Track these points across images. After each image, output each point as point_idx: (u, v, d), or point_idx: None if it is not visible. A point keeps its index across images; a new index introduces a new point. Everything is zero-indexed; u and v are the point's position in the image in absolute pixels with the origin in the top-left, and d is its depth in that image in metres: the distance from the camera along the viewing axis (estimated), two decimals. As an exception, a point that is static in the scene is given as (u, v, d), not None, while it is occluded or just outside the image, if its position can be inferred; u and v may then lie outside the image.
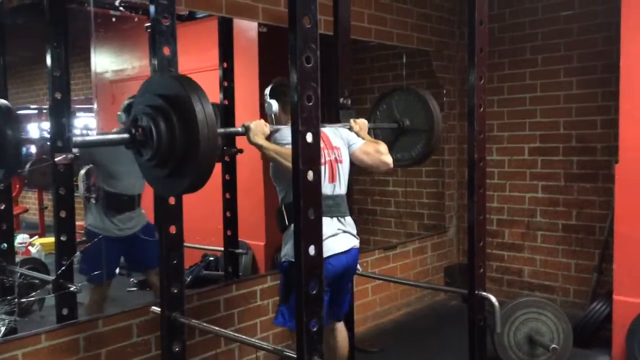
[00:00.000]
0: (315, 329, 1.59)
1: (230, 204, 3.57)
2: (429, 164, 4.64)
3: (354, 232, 2.70)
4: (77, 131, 3.78)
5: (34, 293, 3.13)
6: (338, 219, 2.61)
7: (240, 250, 3.73)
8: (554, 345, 3.27)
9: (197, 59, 4.10)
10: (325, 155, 2.59)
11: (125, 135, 1.75)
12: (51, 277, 2.91)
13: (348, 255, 2.62)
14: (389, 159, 2.74)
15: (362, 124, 2.85)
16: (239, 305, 3.36)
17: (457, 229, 5.14)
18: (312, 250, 1.58)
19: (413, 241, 4.78)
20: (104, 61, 4.14)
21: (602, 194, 4.30)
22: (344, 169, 2.68)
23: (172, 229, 2.14)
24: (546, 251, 4.65)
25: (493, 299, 2.46)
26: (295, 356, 1.62)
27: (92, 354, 2.70)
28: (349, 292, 2.86)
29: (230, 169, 3.56)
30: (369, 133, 2.93)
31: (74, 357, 2.63)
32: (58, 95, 2.73)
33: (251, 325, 3.44)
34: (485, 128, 2.51)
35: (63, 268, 2.75)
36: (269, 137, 2.44)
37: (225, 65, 3.53)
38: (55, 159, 2.71)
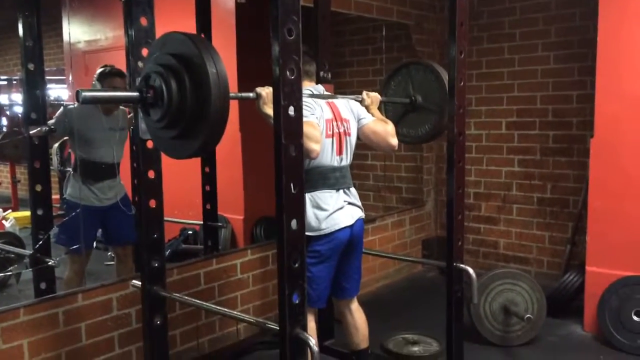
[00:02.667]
0: (297, 302, 1.61)
1: (209, 178, 3.54)
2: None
3: (359, 202, 2.71)
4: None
5: (10, 267, 3.09)
6: (344, 191, 2.62)
7: (219, 224, 3.72)
8: (528, 315, 3.35)
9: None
10: (334, 127, 2.59)
11: (135, 94, 1.70)
12: (28, 252, 2.88)
13: (354, 227, 2.63)
14: (395, 142, 2.73)
15: (374, 97, 2.79)
16: (219, 279, 3.37)
17: (435, 202, 5.20)
18: (294, 224, 1.59)
19: (391, 214, 4.82)
20: (77, 31, 4.04)
21: (577, 168, 4.38)
22: (351, 142, 2.68)
23: (152, 203, 2.11)
24: (521, 224, 4.74)
25: (470, 270, 2.52)
26: (278, 328, 1.64)
27: (71, 328, 2.69)
28: (360, 268, 2.81)
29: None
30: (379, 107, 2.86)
31: (53, 331, 2.61)
32: (31, 66, 2.67)
33: (232, 298, 3.46)
34: (465, 102, 2.53)
35: (41, 242, 2.72)
36: None
37: (202, 36, 3.48)
38: (30, 132, 2.65)
